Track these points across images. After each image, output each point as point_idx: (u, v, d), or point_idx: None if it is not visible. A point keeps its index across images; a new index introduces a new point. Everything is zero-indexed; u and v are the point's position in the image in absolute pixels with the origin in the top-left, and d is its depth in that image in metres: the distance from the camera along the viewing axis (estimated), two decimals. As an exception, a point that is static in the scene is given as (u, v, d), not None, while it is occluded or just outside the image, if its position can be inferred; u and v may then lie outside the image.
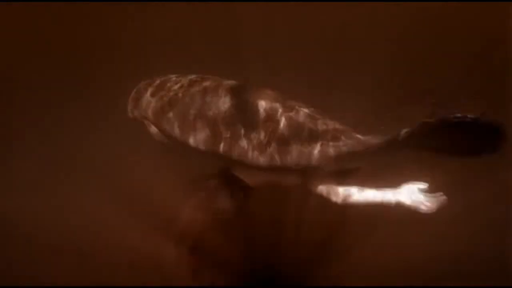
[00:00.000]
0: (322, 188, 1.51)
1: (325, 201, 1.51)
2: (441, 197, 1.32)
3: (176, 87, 1.68)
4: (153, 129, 1.78)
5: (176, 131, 1.60)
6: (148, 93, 1.79)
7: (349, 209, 1.49)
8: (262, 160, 1.46)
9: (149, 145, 2.00)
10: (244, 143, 1.46)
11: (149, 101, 1.75)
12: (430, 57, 2.89)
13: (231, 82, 1.65)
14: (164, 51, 2.86)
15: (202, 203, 1.68)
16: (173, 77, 1.79)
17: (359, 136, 1.45)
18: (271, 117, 1.46)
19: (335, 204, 1.49)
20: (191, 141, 1.55)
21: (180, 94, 1.62)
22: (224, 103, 1.52)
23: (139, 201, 2.25)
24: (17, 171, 2.41)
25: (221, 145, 1.49)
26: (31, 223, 2.12)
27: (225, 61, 1.76)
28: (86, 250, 2.02)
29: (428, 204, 1.33)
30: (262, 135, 1.44)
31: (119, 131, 2.42)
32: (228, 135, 1.48)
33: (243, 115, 1.49)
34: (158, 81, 1.82)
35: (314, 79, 2.68)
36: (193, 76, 1.73)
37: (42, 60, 2.92)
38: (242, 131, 1.46)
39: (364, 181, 1.47)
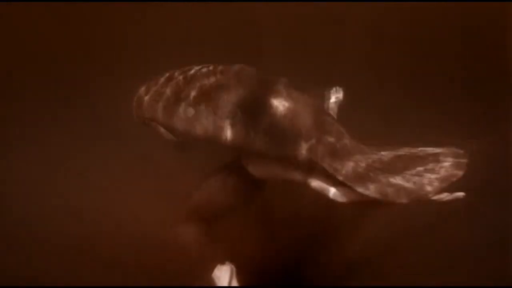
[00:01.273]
0: (321, 186, 1.48)
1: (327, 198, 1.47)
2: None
3: (180, 81, 1.66)
4: (162, 129, 1.76)
5: (186, 125, 1.57)
6: (151, 93, 1.77)
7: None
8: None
9: (152, 143, 2.00)
10: (252, 135, 1.43)
11: (153, 101, 1.73)
12: (430, 57, 2.89)
13: (243, 70, 1.60)
14: (166, 52, 2.85)
15: (211, 195, 1.69)
16: (176, 72, 1.76)
17: None
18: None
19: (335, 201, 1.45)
20: (202, 132, 1.52)
21: (187, 88, 1.59)
22: (236, 93, 1.47)
23: (142, 200, 2.26)
24: (18, 172, 2.41)
25: (233, 135, 1.46)
26: (32, 223, 2.12)
27: (227, 60, 1.74)
28: (88, 249, 2.02)
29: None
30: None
31: (121, 132, 2.43)
32: (243, 127, 1.44)
33: (257, 109, 1.44)
34: (160, 80, 1.80)
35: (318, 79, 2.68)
36: (198, 68, 1.68)
37: (43, 61, 2.91)
38: (253, 123, 1.43)
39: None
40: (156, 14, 3.17)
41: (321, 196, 1.47)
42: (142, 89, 1.84)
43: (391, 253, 2.01)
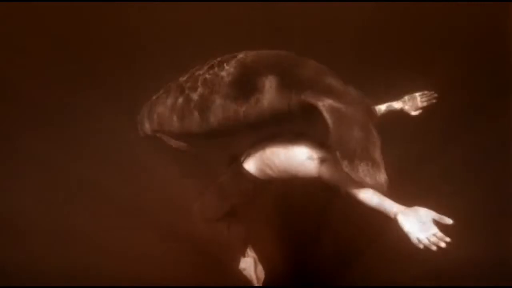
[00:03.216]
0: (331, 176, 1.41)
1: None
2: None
3: (181, 84, 1.64)
4: (170, 138, 1.77)
5: (201, 123, 1.53)
6: (157, 106, 1.74)
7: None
8: None
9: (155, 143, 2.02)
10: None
11: (161, 112, 1.70)
12: (430, 57, 2.89)
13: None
14: (171, 53, 2.84)
15: (219, 197, 1.72)
16: (174, 81, 1.76)
17: None
18: None
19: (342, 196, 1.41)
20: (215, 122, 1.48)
21: (191, 86, 1.57)
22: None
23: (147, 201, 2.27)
24: (23, 173, 2.42)
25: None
26: (33, 224, 2.13)
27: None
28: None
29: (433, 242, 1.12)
30: None
31: (122, 133, 2.44)
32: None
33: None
34: (161, 92, 1.79)
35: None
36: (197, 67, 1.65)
37: (48, 61, 2.90)
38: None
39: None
40: (160, 15, 3.15)
41: (333, 191, 1.43)
42: (146, 106, 1.85)
43: (389, 253, 2.00)
